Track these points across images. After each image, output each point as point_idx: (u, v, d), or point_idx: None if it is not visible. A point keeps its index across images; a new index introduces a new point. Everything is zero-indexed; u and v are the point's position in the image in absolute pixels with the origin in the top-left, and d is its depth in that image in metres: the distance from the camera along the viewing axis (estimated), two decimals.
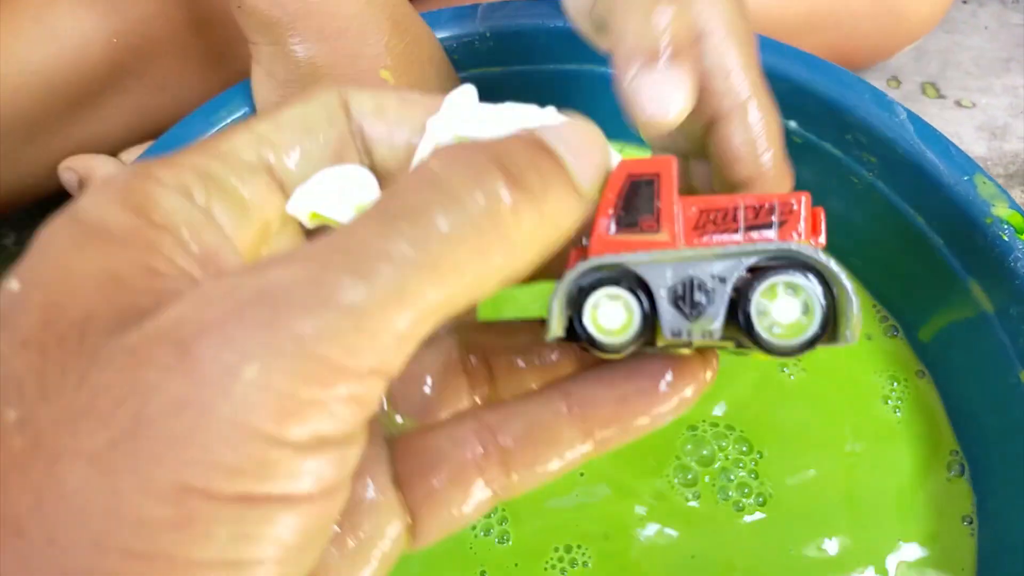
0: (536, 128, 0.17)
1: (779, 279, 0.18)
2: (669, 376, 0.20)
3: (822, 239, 0.19)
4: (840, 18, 0.49)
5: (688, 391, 0.20)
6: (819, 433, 0.38)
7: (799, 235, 0.18)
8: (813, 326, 0.18)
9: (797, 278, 0.18)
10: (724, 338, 0.19)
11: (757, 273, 0.18)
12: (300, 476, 0.14)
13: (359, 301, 0.14)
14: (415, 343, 0.15)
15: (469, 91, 0.19)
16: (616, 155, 0.19)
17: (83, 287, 0.15)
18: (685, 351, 0.20)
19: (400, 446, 0.20)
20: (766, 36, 0.41)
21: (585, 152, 0.17)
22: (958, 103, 0.59)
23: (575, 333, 0.19)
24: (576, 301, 0.19)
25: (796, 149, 0.42)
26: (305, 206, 0.18)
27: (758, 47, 0.28)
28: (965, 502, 0.36)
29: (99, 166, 0.44)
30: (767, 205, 0.18)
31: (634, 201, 0.19)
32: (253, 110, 0.39)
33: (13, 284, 0.15)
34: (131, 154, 0.46)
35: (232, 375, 0.13)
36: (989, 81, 0.60)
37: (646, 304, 0.19)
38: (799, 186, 0.43)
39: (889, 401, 0.39)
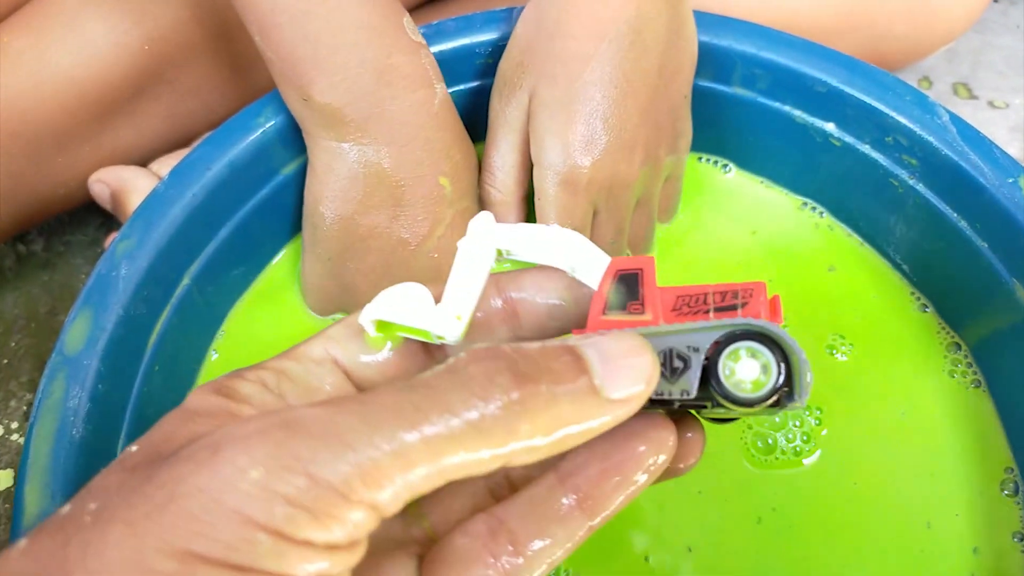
0: (577, 342, 0.21)
1: (741, 345, 0.22)
2: (642, 447, 0.23)
3: (780, 320, 0.23)
4: (875, 19, 0.49)
5: (659, 458, 0.23)
6: (866, 431, 0.38)
7: (760, 316, 0.22)
8: (771, 382, 0.22)
9: (756, 345, 0.22)
10: (699, 398, 0.22)
11: (724, 343, 0.22)
12: (287, 562, 0.17)
13: (358, 443, 0.18)
14: (408, 493, 0.18)
15: (488, 217, 0.24)
16: (606, 257, 0.24)
17: (175, 441, 0.20)
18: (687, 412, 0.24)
19: (427, 555, 0.23)
20: (803, 38, 0.41)
21: (617, 360, 0.20)
22: (991, 103, 0.58)
23: None
24: None
25: (835, 151, 0.42)
26: (371, 316, 0.23)
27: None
28: (1015, 518, 0.36)
29: (131, 178, 0.44)
30: (731, 291, 0.23)
31: (623, 290, 0.23)
32: (287, 117, 0.39)
33: (132, 446, 0.20)
34: (163, 165, 0.45)
35: (241, 474, 0.17)
36: (1022, 81, 0.59)
37: None
38: (835, 186, 0.43)
39: (941, 408, 0.38)
